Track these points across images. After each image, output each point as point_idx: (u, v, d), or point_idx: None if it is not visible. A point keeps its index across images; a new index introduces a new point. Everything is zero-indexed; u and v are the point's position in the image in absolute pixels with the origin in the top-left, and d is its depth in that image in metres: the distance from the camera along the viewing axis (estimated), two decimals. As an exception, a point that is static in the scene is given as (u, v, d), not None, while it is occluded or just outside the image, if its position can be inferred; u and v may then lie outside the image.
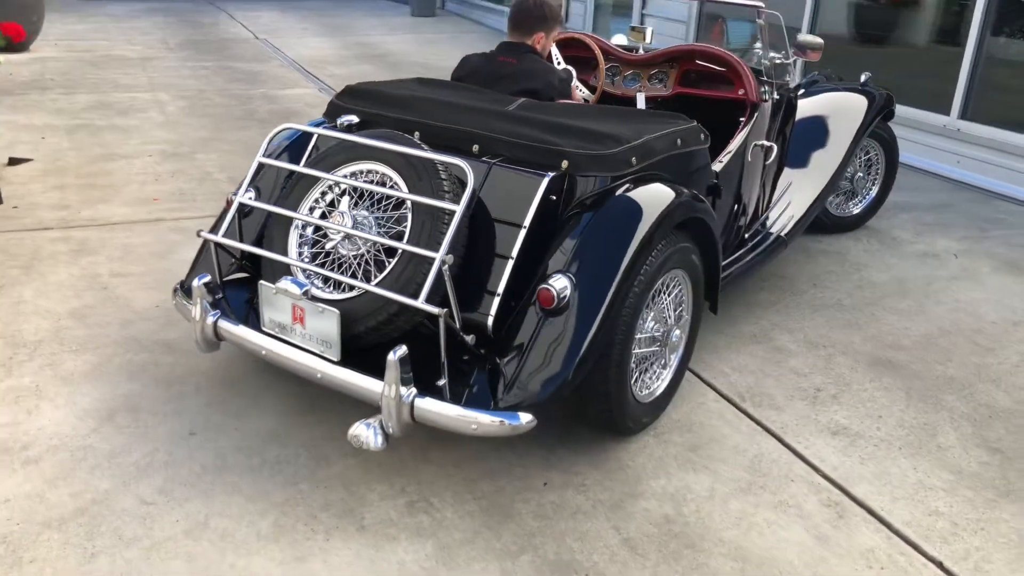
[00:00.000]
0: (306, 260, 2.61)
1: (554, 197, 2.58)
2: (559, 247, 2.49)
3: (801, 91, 4.39)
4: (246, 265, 2.85)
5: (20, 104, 6.89)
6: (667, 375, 2.93)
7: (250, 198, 2.72)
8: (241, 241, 2.78)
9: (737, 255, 3.63)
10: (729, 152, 3.38)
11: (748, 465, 2.73)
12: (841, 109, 4.41)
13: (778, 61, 3.74)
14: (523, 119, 2.79)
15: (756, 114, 3.56)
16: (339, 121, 2.90)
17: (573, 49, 3.95)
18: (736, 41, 7.37)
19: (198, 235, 2.74)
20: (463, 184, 2.38)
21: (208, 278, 2.68)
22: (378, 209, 2.56)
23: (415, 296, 2.30)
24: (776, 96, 3.77)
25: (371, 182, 2.58)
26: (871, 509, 2.55)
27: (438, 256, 2.29)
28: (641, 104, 3.83)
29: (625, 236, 2.50)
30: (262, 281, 2.56)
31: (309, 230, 2.66)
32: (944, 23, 6.47)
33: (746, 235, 3.77)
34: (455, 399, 2.35)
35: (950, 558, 2.36)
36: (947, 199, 5.56)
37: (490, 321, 2.46)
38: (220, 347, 2.73)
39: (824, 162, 4.21)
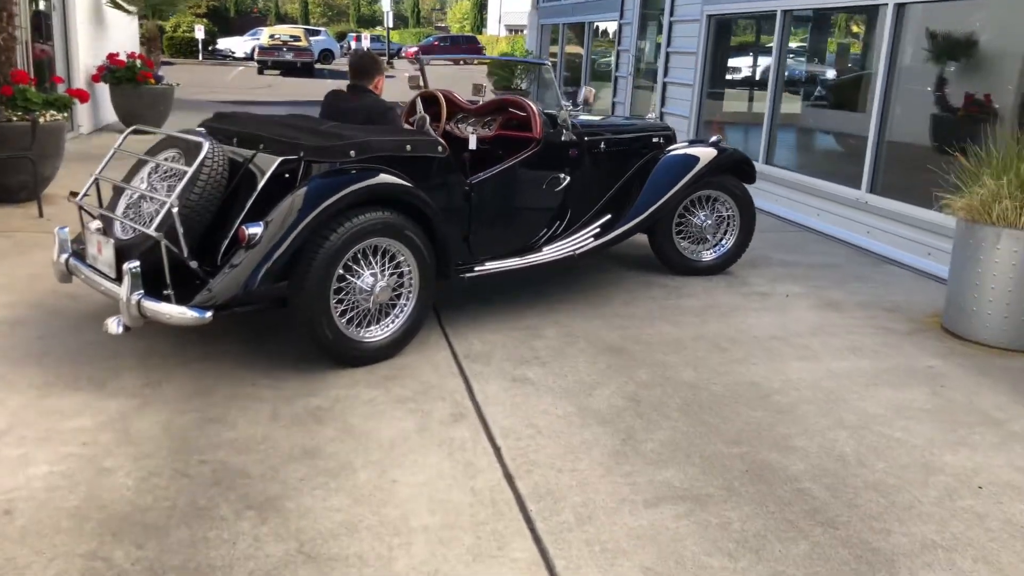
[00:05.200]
0: (128, 217, 3.70)
1: (287, 175, 3.57)
2: (274, 206, 3.45)
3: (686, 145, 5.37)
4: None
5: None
6: (392, 328, 3.75)
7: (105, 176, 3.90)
8: (100, 207, 3.93)
9: (525, 258, 4.41)
10: (491, 171, 4.24)
11: (419, 389, 3.48)
12: (681, 161, 5.15)
13: (568, 108, 4.61)
14: (305, 128, 3.85)
15: (537, 147, 4.43)
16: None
17: (434, 104, 4.98)
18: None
19: (68, 200, 3.93)
20: (197, 157, 3.42)
21: (67, 230, 3.85)
22: (174, 179, 3.64)
23: (166, 234, 3.30)
24: (573, 137, 4.61)
25: (172, 162, 3.68)
26: (484, 417, 3.23)
27: (168, 200, 3.32)
28: (473, 143, 4.76)
29: (316, 200, 3.42)
30: (87, 225, 3.69)
31: (135, 197, 3.77)
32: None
33: (544, 245, 4.55)
34: (179, 302, 3.31)
35: (511, 448, 3.00)
36: (841, 262, 5.96)
37: (219, 255, 3.45)
38: (72, 280, 3.85)
39: (646, 201, 4.93)
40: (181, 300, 3.33)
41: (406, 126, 4.63)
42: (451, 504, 2.63)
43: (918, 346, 4.24)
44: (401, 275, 3.75)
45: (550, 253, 4.53)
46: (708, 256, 5.41)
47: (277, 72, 28.13)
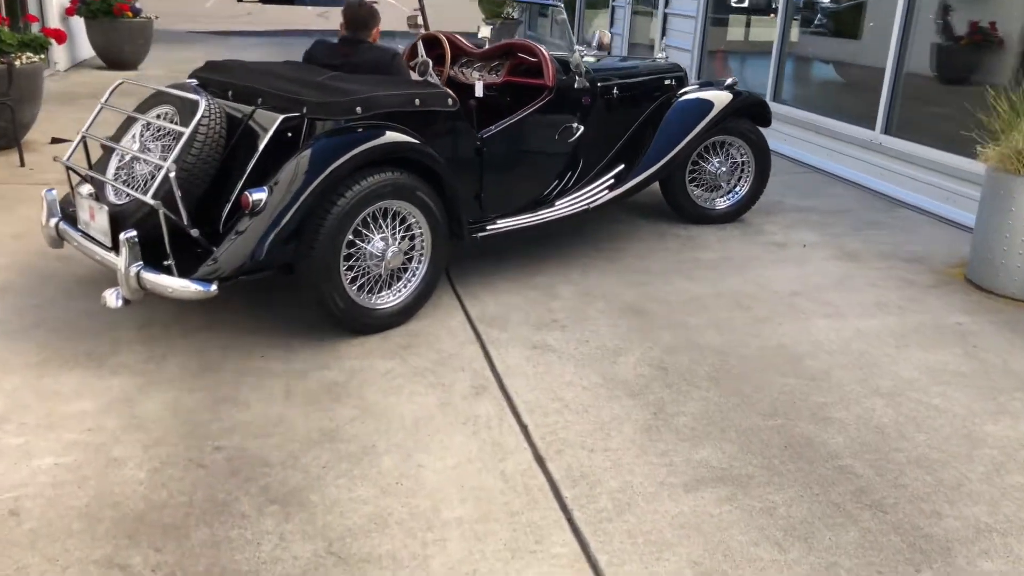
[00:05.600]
0: (120, 179, 3.46)
1: (290, 134, 3.33)
2: (277, 168, 3.23)
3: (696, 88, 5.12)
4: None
5: (92, 104, 8.32)
6: (405, 294, 3.58)
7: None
8: (89, 168, 3.68)
9: (537, 213, 4.21)
10: (503, 124, 4.01)
11: (436, 359, 3.33)
12: (695, 106, 4.91)
13: (583, 54, 4.36)
14: (304, 80, 3.58)
15: (549, 96, 4.18)
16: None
17: (437, 47, 4.70)
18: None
19: (54, 160, 3.67)
20: (194, 115, 3.18)
21: (55, 192, 3.62)
22: (169, 139, 3.40)
23: (164, 201, 3.08)
24: (587, 84, 4.37)
25: (165, 120, 3.43)
26: (506, 390, 3.09)
27: (165, 165, 3.09)
28: (479, 90, 4.51)
29: (323, 162, 3.20)
30: (77, 189, 3.46)
31: (127, 158, 3.53)
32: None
33: (556, 199, 4.35)
34: (181, 274, 3.11)
35: (539, 425, 2.87)
36: (855, 206, 5.79)
37: (221, 221, 3.24)
38: (63, 245, 3.63)
39: (660, 150, 4.72)
40: (182, 270, 3.13)
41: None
42: (483, 492, 2.50)
43: (944, 300, 4.11)
44: (412, 238, 3.56)
45: (563, 207, 4.33)
46: (722, 204, 5.22)
47: (257, 0, 27.15)
